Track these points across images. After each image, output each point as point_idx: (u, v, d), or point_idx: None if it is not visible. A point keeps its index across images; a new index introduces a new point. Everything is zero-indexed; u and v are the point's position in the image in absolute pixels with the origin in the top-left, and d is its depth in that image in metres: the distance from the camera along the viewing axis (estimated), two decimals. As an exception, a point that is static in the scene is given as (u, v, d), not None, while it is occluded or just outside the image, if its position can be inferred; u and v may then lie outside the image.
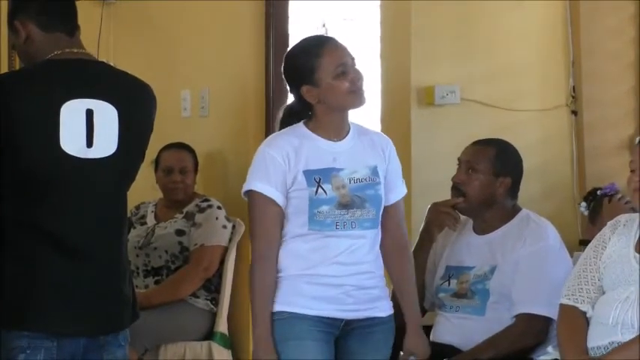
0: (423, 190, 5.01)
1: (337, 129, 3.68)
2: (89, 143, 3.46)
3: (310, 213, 3.58)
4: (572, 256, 4.36)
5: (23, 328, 3.40)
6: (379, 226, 3.69)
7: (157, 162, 4.97)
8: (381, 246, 3.73)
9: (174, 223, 4.86)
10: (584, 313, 3.73)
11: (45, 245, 3.42)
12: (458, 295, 4.29)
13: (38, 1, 3.58)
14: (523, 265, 4.16)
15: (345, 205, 3.59)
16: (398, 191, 3.78)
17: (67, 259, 3.43)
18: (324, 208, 3.58)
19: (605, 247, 3.76)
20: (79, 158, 3.44)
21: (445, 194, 4.51)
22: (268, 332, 3.57)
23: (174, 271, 4.78)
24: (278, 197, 3.60)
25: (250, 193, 3.67)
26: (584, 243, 4.85)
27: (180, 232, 4.82)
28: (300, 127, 3.70)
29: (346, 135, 3.70)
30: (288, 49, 3.94)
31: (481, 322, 4.18)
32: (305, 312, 3.58)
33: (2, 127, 3.41)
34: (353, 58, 3.70)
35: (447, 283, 4.33)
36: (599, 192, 4.67)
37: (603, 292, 3.71)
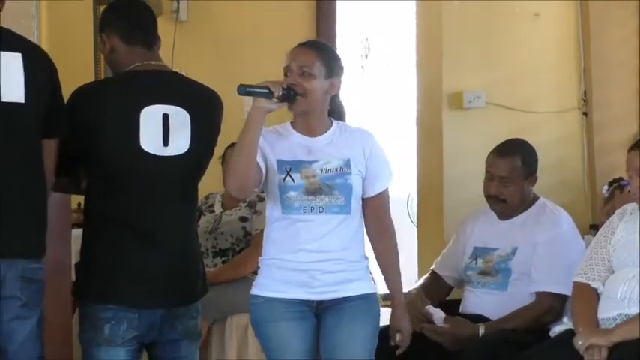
0: (453, 182, 5.02)
1: (309, 127, 3.45)
2: (165, 143, 3.45)
3: (281, 197, 3.39)
4: (583, 238, 4.33)
5: (109, 301, 3.42)
6: (353, 213, 3.43)
7: (223, 158, 4.96)
8: (368, 233, 3.52)
9: (238, 211, 4.85)
10: (595, 289, 3.71)
11: (126, 232, 3.43)
12: (484, 272, 4.28)
13: (123, 17, 3.58)
14: (541, 249, 4.14)
15: (312, 192, 3.38)
16: (380, 184, 3.48)
17: (145, 244, 3.44)
18: (292, 193, 3.38)
19: (614, 232, 3.74)
20: (156, 156, 3.44)
21: (472, 185, 4.50)
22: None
23: (239, 252, 4.78)
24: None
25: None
26: (594, 227, 4.83)
27: (243, 219, 4.81)
28: (287, 123, 3.51)
29: (325, 131, 3.46)
30: None
31: (504, 296, 4.18)
32: (277, 295, 3.41)
33: (90, 130, 3.42)
34: (302, 66, 3.39)
35: (474, 262, 4.32)
36: (621, 182, 4.63)
37: (612, 272, 3.69)
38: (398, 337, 3.46)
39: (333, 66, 3.45)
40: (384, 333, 3.50)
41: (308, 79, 3.39)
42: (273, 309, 3.40)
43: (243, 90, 3.27)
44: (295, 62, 3.40)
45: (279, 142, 3.43)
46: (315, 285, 3.40)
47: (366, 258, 3.50)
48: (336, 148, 3.44)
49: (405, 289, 4.29)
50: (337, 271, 3.42)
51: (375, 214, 3.48)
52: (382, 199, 3.49)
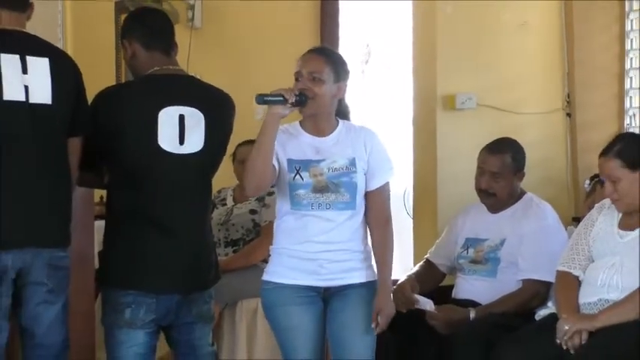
0: (446, 179, 5.02)
1: (317, 128, 3.47)
2: (181, 141, 3.49)
3: (290, 194, 3.43)
4: (566, 230, 4.36)
5: (130, 287, 3.46)
6: (358, 209, 3.46)
7: (234, 155, 4.99)
8: (367, 222, 3.51)
9: (248, 204, 4.86)
10: (577, 277, 3.73)
11: (146, 226, 3.46)
12: (474, 261, 4.29)
13: (143, 25, 3.61)
14: (528, 240, 4.16)
15: (320, 190, 3.41)
16: (379, 178, 3.49)
17: (162, 235, 3.47)
18: (301, 191, 3.41)
19: (594, 225, 3.76)
20: (173, 154, 3.48)
21: (464, 180, 4.51)
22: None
23: (249, 243, 4.81)
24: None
25: None
26: (576, 219, 4.84)
27: (253, 212, 4.83)
28: (297, 123, 3.53)
29: (332, 132, 3.48)
30: None
31: (493, 282, 4.20)
32: (287, 282, 3.44)
33: (112, 132, 3.46)
34: (312, 72, 3.42)
35: (465, 251, 4.34)
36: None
37: (592, 261, 3.72)
38: (379, 318, 3.44)
39: (340, 71, 3.49)
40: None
41: (318, 84, 3.42)
42: (283, 294, 3.44)
43: (261, 100, 3.32)
44: (306, 68, 3.44)
45: (289, 142, 3.46)
46: (323, 273, 3.44)
47: (369, 248, 3.54)
48: (341, 148, 3.46)
49: (402, 276, 4.34)
50: (343, 260, 3.46)
51: (375, 206, 3.50)
52: (382, 192, 3.51)
